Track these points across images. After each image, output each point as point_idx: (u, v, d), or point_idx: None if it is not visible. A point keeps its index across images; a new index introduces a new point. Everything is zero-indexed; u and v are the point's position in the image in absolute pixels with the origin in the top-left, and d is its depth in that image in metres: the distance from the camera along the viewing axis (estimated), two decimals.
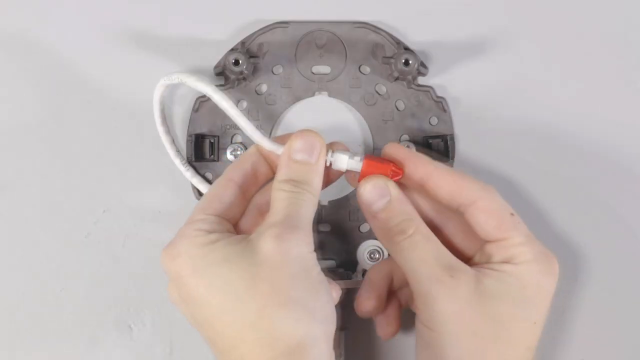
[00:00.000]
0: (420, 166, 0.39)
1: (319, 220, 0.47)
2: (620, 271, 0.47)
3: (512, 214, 0.39)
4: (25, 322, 0.46)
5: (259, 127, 0.46)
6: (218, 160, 0.46)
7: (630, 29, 0.47)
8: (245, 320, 0.35)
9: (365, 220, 0.46)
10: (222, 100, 0.40)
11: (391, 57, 0.46)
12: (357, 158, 0.39)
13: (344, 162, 0.39)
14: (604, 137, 0.47)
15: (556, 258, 0.39)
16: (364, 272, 0.46)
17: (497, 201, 0.39)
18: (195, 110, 0.46)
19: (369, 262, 0.45)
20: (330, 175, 0.40)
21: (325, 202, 0.47)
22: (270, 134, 0.47)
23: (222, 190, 0.39)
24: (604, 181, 0.47)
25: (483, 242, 0.40)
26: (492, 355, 0.37)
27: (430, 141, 0.46)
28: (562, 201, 0.47)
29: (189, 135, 0.46)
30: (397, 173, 0.39)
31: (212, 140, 0.46)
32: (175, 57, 0.47)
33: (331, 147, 0.40)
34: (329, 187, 0.45)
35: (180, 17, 0.47)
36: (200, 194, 0.46)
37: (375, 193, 0.39)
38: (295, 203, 0.37)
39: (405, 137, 0.46)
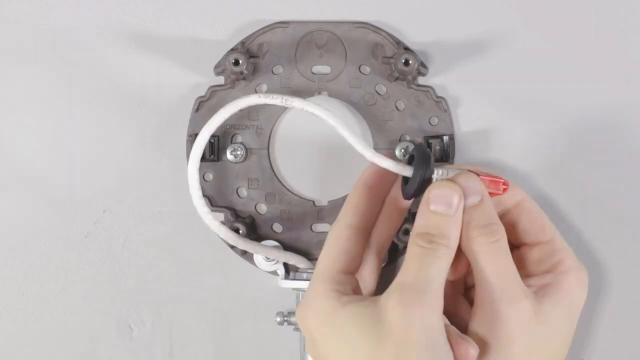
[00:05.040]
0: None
1: (319, 220, 0.47)
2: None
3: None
4: (25, 322, 0.47)
5: (261, 128, 0.46)
6: (218, 160, 0.46)
7: (630, 27, 0.47)
8: None
9: None
10: (330, 119, 0.41)
11: (391, 57, 0.45)
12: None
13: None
14: (604, 137, 0.47)
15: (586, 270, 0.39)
16: None
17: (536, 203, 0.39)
18: (196, 110, 0.46)
19: None
20: None
21: (325, 202, 0.47)
22: (270, 134, 0.47)
23: (346, 242, 0.39)
24: (605, 180, 0.47)
25: (519, 245, 0.40)
26: None
27: (430, 141, 0.46)
28: (561, 201, 0.47)
29: (189, 135, 0.46)
30: (506, 184, 0.38)
31: (212, 140, 0.46)
32: (175, 57, 0.47)
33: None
34: (328, 187, 0.45)
35: (180, 17, 0.47)
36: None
37: (471, 187, 0.37)
38: (426, 261, 0.36)
39: (406, 137, 0.46)
